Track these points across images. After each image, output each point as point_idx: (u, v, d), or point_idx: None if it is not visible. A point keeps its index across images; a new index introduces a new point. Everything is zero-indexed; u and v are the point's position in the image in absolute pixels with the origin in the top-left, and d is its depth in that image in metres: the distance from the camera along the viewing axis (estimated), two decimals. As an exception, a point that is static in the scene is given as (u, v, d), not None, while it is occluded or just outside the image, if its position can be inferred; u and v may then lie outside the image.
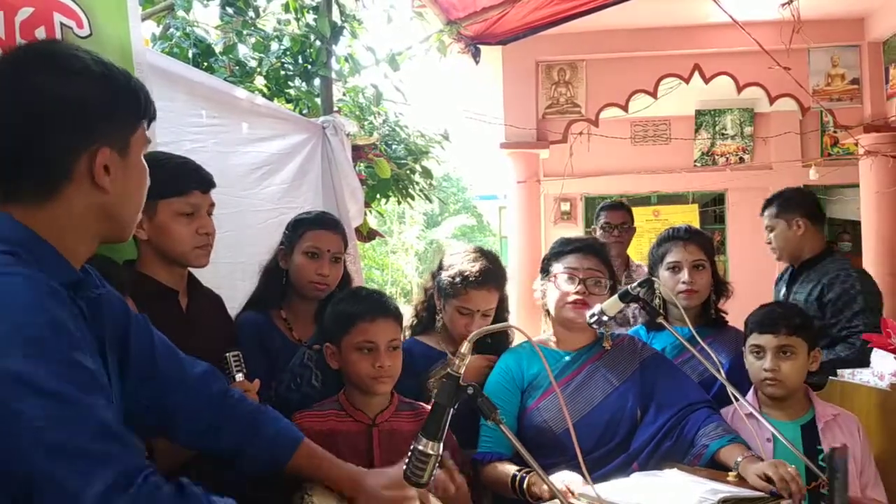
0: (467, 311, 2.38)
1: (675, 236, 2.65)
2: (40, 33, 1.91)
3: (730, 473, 1.87)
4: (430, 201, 6.12)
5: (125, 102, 1.22)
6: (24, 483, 1.00)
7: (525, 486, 1.97)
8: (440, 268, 2.48)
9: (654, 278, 2.45)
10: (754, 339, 2.29)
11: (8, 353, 1.00)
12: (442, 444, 1.41)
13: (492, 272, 2.39)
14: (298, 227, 2.40)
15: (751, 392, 2.32)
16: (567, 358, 2.25)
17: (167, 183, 1.86)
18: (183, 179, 1.97)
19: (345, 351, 1.99)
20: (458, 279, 2.36)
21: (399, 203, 5.46)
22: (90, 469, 1.01)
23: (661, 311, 2.51)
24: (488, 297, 2.39)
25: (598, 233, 4.06)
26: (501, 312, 2.52)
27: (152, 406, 1.44)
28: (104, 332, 1.28)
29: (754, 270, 9.11)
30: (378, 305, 2.02)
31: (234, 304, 2.44)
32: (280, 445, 1.56)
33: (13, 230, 1.13)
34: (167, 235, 1.94)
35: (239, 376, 1.88)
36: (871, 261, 7.28)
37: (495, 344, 2.44)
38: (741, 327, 2.68)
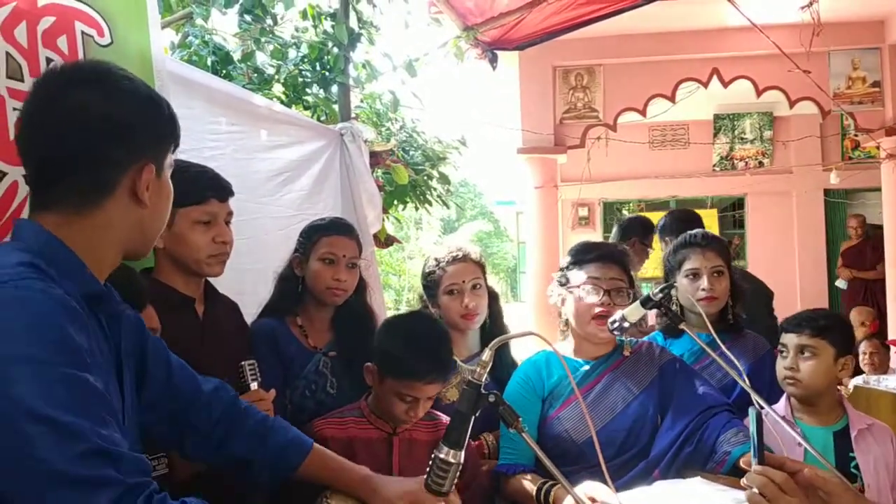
0: (455, 287, 2.42)
1: (693, 242, 2.60)
2: (62, 42, 1.92)
3: (754, 482, 1.84)
4: (448, 207, 6.12)
5: (166, 125, 1.30)
6: None
7: (551, 499, 1.96)
8: (422, 278, 2.55)
9: (675, 284, 2.42)
10: (782, 338, 2.28)
11: (9, 375, 1.01)
12: (463, 453, 1.40)
13: (462, 249, 2.49)
14: (313, 234, 2.40)
15: (783, 397, 2.30)
16: (586, 367, 2.21)
17: (185, 192, 1.86)
18: (200, 188, 1.97)
19: (387, 388, 1.93)
20: (433, 267, 2.47)
21: (416, 209, 5.47)
22: (84, 495, 1.01)
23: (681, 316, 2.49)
24: (466, 268, 2.45)
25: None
26: (494, 304, 2.54)
27: (169, 420, 1.48)
28: (121, 347, 1.30)
29: (774, 275, 9.03)
30: (435, 369, 1.90)
31: (255, 309, 2.45)
32: (289, 454, 1.58)
33: (39, 238, 1.17)
34: (184, 244, 1.95)
35: (254, 385, 1.88)
36: (893, 265, 7.20)
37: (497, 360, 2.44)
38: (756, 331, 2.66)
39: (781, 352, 2.28)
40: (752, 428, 1.37)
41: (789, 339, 2.25)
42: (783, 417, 2.20)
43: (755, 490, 1.29)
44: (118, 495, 1.03)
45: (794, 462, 1.37)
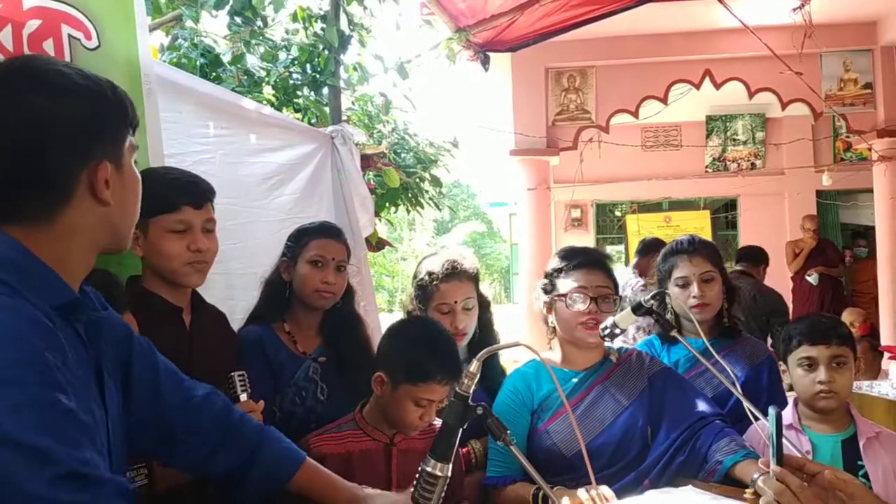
0: (446, 306, 2.37)
1: (680, 250, 2.57)
2: (48, 46, 1.91)
3: (747, 490, 1.83)
4: (440, 209, 6.11)
5: (115, 114, 1.21)
6: None
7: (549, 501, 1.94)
8: (413, 286, 2.49)
9: (665, 291, 2.40)
10: (804, 351, 2.18)
11: None
12: (451, 466, 1.38)
13: (458, 264, 2.41)
14: (301, 237, 2.38)
15: (790, 405, 2.26)
16: (575, 379, 2.19)
17: (157, 199, 1.82)
18: (172, 196, 1.91)
19: (401, 395, 1.91)
20: (426, 279, 2.40)
21: (408, 211, 5.45)
22: None
23: (673, 323, 2.47)
24: (460, 288, 2.39)
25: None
26: (485, 313, 2.50)
27: (155, 429, 1.42)
28: (102, 354, 1.25)
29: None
30: (451, 369, 1.91)
31: (245, 315, 2.43)
32: (282, 466, 1.54)
33: (6, 250, 1.11)
34: (158, 253, 1.90)
35: (244, 396, 1.85)
36: (885, 266, 7.22)
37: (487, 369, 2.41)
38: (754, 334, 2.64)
39: (808, 365, 2.18)
40: (772, 428, 1.35)
41: (818, 352, 2.15)
42: (790, 425, 2.18)
43: (772, 496, 1.27)
44: None
45: (814, 463, 1.35)
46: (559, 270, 2.24)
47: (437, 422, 2.01)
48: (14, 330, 1.02)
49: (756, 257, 5.90)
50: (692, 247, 2.56)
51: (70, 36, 1.97)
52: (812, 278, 8.02)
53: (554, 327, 2.25)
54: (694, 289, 2.48)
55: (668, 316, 2.49)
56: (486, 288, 2.61)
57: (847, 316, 6.19)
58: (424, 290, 2.40)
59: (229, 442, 1.50)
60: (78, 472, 1.00)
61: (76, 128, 1.14)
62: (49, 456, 0.98)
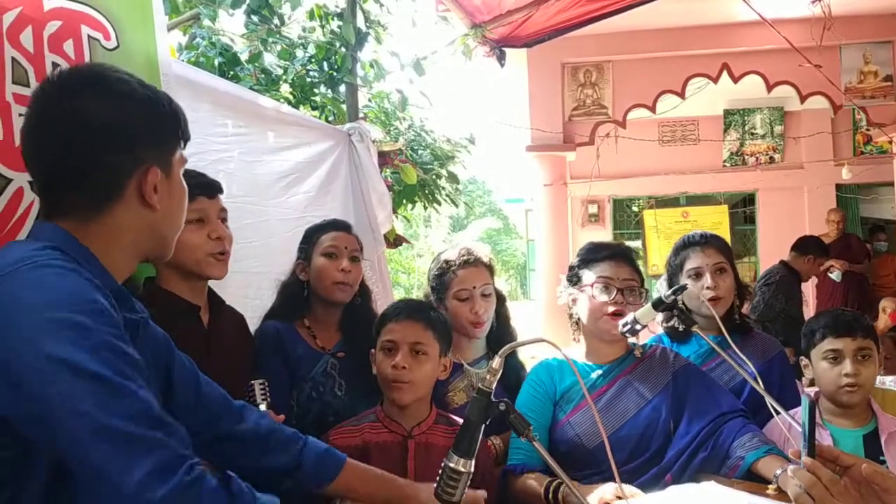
0: (465, 292, 2.39)
1: (692, 242, 2.57)
2: (68, 47, 1.91)
3: (769, 486, 1.82)
4: (457, 206, 6.11)
5: (169, 124, 1.29)
6: (64, 464, 1.03)
7: (560, 496, 1.94)
8: (430, 277, 2.52)
9: (685, 286, 2.39)
10: (830, 343, 2.17)
11: (53, 339, 1.02)
12: (474, 461, 1.38)
13: (474, 251, 2.46)
14: (312, 235, 2.41)
15: None
16: (598, 371, 2.19)
17: None
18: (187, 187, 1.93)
19: (376, 354, 2.01)
20: (444, 269, 2.43)
21: (425, 208, 5.46)
22: (133, 454, 1.01)
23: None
24: (478, 274, 2.42)
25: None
26: (501, 307, 2.52)
27: (202, 436, 1.43)
28: (140, 352, 1.26)
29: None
30: (407, 308, 2.03)
31: (261, 313, 2.44)
32: (325, 466, 1.56)
33: (60, 238, 1.17)
34: (179, 247, 1.86)
35: (263, 406, 1.83)
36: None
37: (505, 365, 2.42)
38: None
39: (833, 358, 2.16)
40: (804, 417, 1.32)
41: (844, 345, 2.13)
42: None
43: (801, 488, 1.25)
44: (165, 460, 1.02)
45: (849, 456, 1.31)
46: (586, 262, 2.24)
47: (459, 421, 2.03)
48: (80, 285, 1.09)
49: (804, 247, 5.58)
50: (704, 239, 2.57)
51: (90, 36, 1.97)
52: (835, 275, 7.89)
53: (578, 321, 2.25)
54: (707, 279, 2.47)
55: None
56: (502, 284, 2.62)
57: (884, 302, 6.06)
58: (442, 278, 2.42)
59: (271, 446, 1.51)
60: (153, 411, 1.05)
61: (132, 131, 1.21)
62: (126, 391, 1.03)
